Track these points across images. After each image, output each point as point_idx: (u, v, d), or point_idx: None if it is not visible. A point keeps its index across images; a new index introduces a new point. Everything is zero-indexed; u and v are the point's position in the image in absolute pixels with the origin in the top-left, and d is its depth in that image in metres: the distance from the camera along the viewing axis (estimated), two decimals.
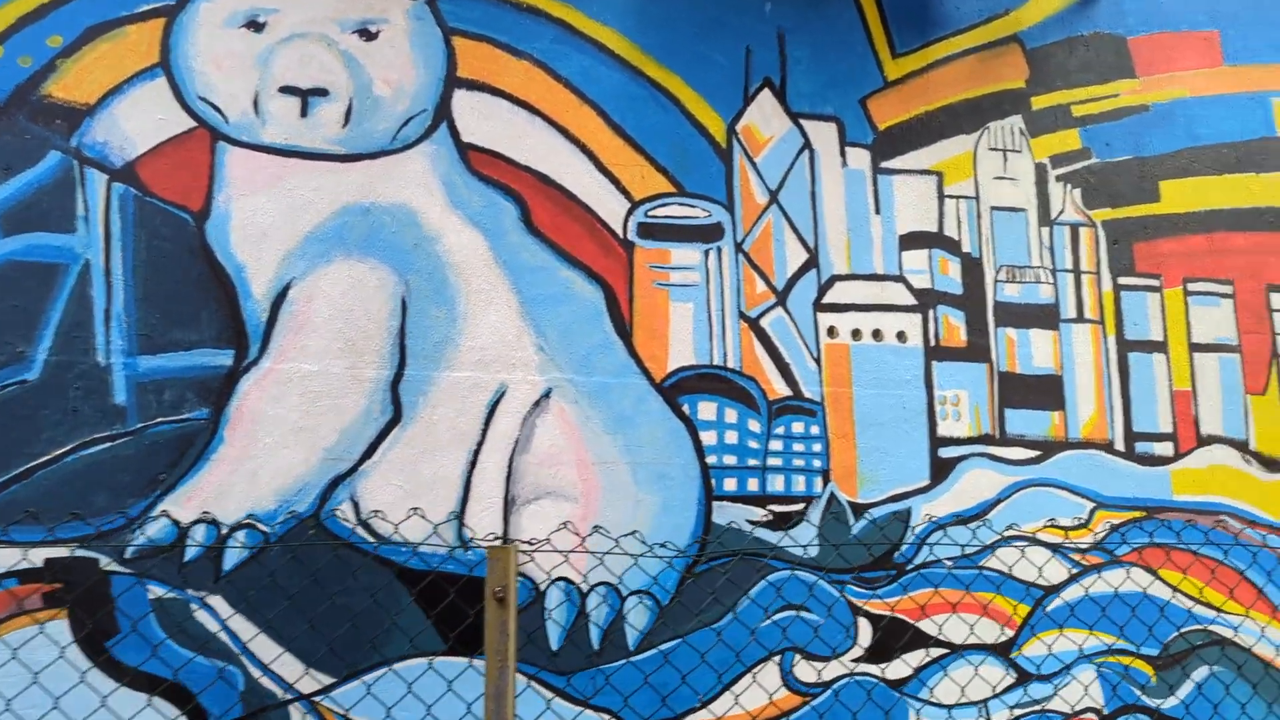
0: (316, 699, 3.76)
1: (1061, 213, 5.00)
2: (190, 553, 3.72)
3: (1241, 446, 4.98)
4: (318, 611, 3.76)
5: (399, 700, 3.76)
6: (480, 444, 4.09)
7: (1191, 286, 5.10)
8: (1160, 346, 4.99)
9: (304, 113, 4.13)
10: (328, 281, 4.05)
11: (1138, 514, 4.77)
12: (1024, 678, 4.51)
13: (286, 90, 4.13)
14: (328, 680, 3.78)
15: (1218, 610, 4.75)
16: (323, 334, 4.01)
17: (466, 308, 4.17)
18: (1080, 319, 4.91)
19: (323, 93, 4.17)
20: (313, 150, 4.13)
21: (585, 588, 4.10)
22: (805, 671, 4.28)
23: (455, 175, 4.26)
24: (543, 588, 4.05)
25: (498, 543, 3.87)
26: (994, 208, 4.92)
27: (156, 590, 3.67)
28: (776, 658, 4.25)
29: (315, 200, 4.09)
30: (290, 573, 3.73)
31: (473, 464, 4.07)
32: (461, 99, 4.34)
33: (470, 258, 4.21)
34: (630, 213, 4.45)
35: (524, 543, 3.67)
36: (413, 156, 4.23)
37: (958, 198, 4.88)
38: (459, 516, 4.00)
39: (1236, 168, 5.28)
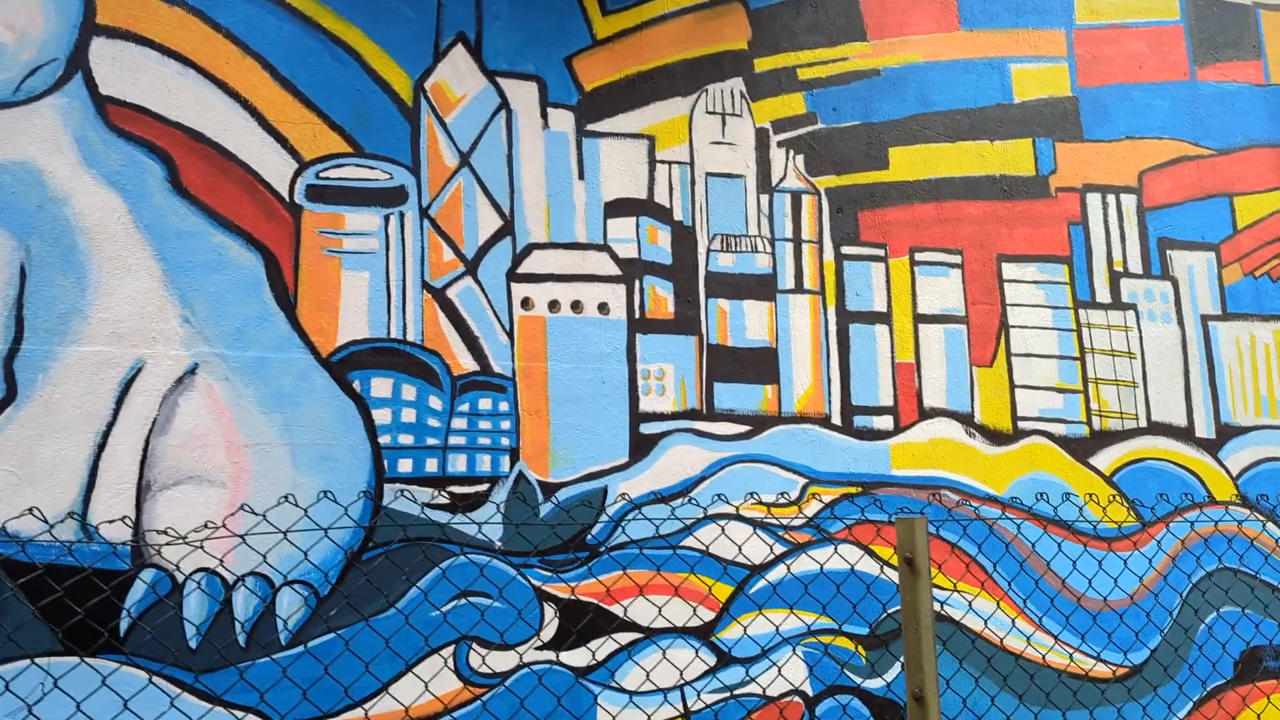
0: None
1: (783, 180, 4.83)
2: None
3: (966, 419, 4.89)
4: None
5: None
6: (111, 425, 3.74)
7: (919, 256, 4.98)
8: (884, 317, 4.87)
9: None
10: None
11: (853, 489, 4.64)
12: (725, 661, 4.34)
13: None
14: None
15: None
16: None
17: (99, 276, 3.81)
18: (799, 289, 4.76)
19: None
20: None
21: (232, 578, 3.78)
22: (482, 660, 4.03)
23: (90, 131, 3.88)
24: (181, 579, 3.72)
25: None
26: (709, 174, 4.72)
27: None
28: (452, 647, 4.00)
29: None
30: None
31: (102, 447, 3.71)
32: (101, 48, 3.96)
33: (105, 221, 3.84)
34: (299, 174, 4.13)
35: None
36: (40, 110, 3.84)
37: (670, 163, 4.67)
38: (83, 504, 3.65)
39: (970, 134, 5.18)
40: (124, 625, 3.64)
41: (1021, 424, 4.97)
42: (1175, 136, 5.53)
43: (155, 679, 3.58)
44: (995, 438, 4.91)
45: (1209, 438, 5.25)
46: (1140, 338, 5.24)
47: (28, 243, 3.75)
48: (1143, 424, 5.16)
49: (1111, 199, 5.34)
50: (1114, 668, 4.84)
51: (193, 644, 3.70)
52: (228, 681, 3.71)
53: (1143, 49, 5.60)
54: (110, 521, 3.65)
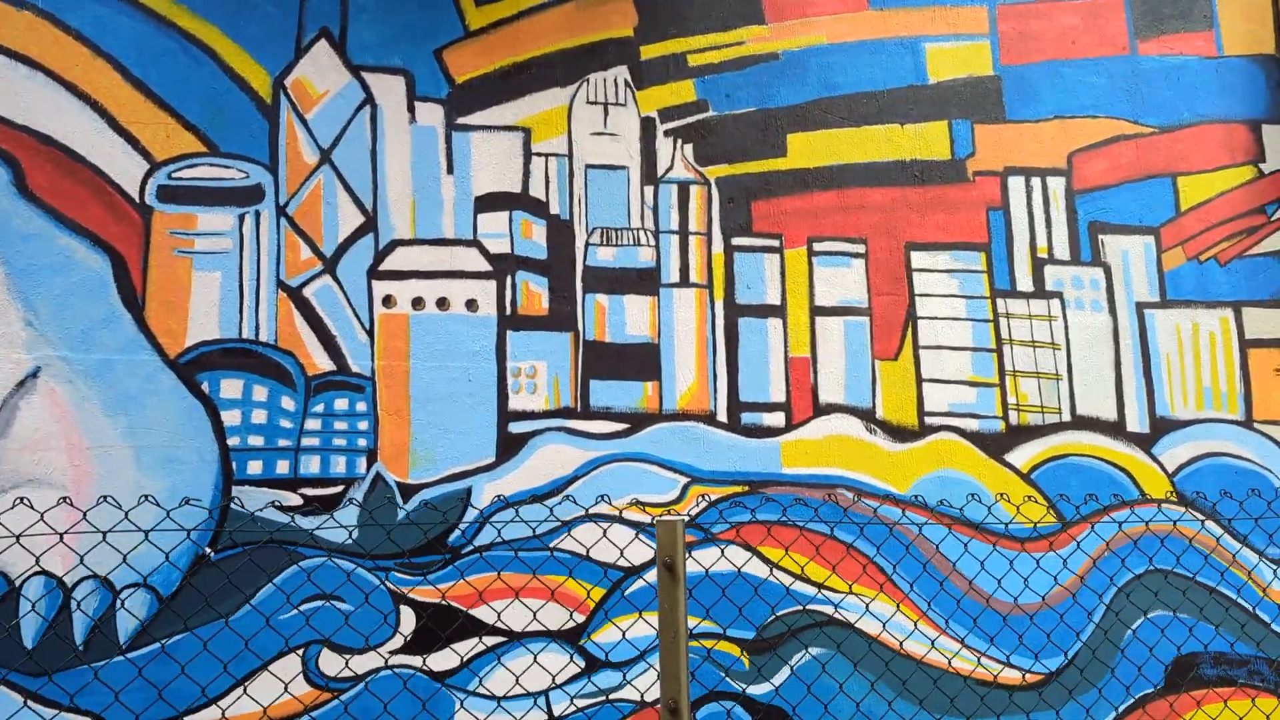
0: None
1: (669, 170, 4.68)
2: None
3: (866, 415, 4.69)
4: None
5: None
6: None
7: (818, 246, 4.78)
8: (777, 311, 4.69)
9: None
10: None
11: (739, 489, 4.48)
12: (594, 665, 4.22)
13: None
14: None
15: (819, 587, 4.47)
16: None
17: None
18: (685, 283, 4.60)
19: None
20: None
21: (71, 580, 3.78)
22: (333, 664, 3.97)
23: None
24: (19, 581, 3.73)
25: None
26: (590, 165, 4.59)
27: None
28: (300, 651, 3.95)
29: None
30: None
31: None
32: None
33: None
34: (150, 175, 4.10)
35: None
36: None
37: (547, 155, 4.55)
38: None
39: (878, 118, 4.96)
40: None
41: (929, 420, 4.75)
42: (1112, 115, 5.23)
43: None
44: (899, 434, 4.70)
45: (1142, 432, 4.96)
46: (1066, 327, 4.97)
47: None
48: (1066, 418, 4.89)
49: (1036, 182, 5.07)
50: (1025, 673, 4.60)
51: (28, 644, 3.70)
52: (67, 684, 3.70)
53: (1076, 23, 5.31)
54: None
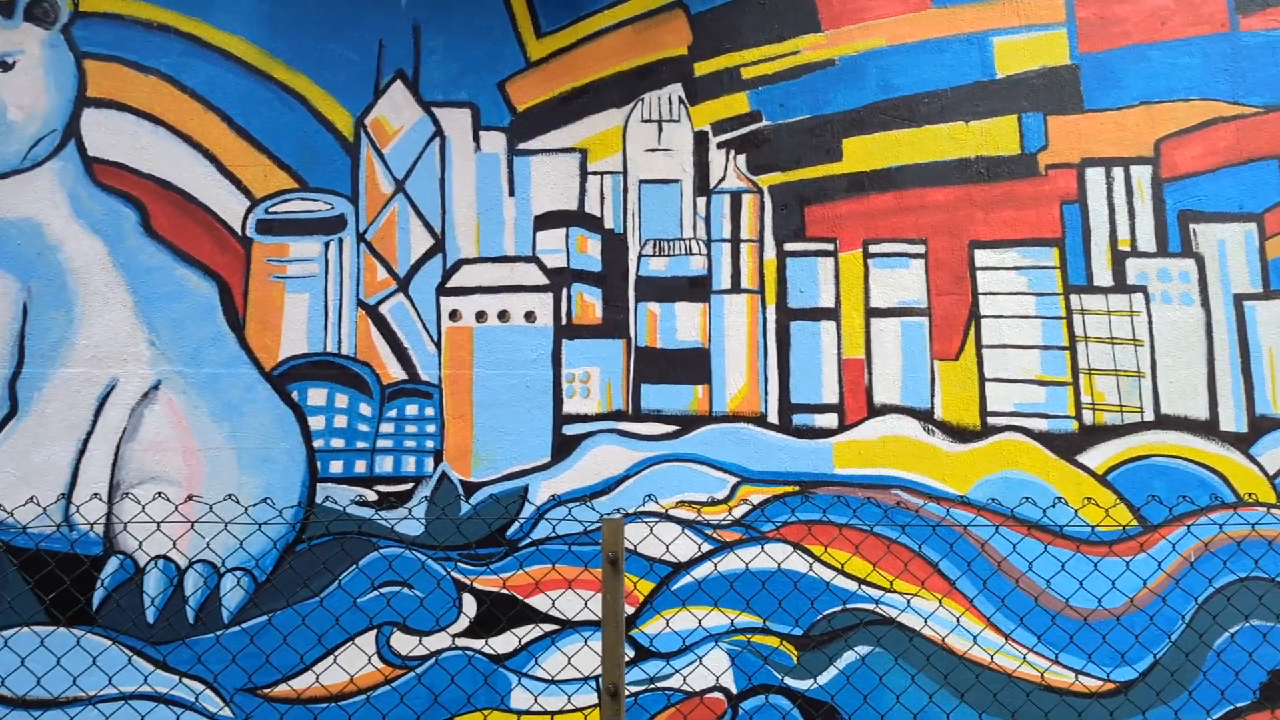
0: None
1: (722, 181, 4.87)
2: None
3: (924, 416, 4.71)
4: None
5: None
6: (90, 434, 4.47)
7: (874, 248, 4.84)
8: (830, 313, 4.78)
9: None
10: None
11: (789, 489, 4.62)
12: (643, 655, 4.48)
13: None
14: None
15: (859, 582, 4.54)
16: None
17: (83, 309, 4.57)
18: (736, 289, 4.78)
19: None
20: None
21: (184, 565, 4.42)
22: (403, 645, 4.43)
23: (80, 187, 4.66)
24: (145, 565, 4.40)
25: None
26: (643, 181, 4.85)
27: None
28: (373, 632, 4.43)
29: None
30: None
31: (82, 452, 4.46)
32: (90, 116, 4.73)
33: (90, 263, 4.60)
34: (250, 210, 4.71)
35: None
36: (41, 173, 4.66)
37: (603, 174, 4.85)
38: (66, 499, 4.41)
39: (940, 117, 4.95)
40: (97, 599, 4.36)
41: (993, 420, 4.70)
42: (1207, 96, 4.98)
43: (116, 646, 4.27)
44: (959, 434, 4.69)
45: (1239, 431, 4.70)
46: (1150, 323, 4.78)
47: (29, 284, 4.57)
48: (1149, 418, 4.71)
49: (1118, 172, 4.90)
50: (1106, 679, 4.49)
51: (150, 618, 4.36)
52: (179, 652, 4.34)
53: (1167, 3, 5.08)
54: (90, 522, 4.37)
